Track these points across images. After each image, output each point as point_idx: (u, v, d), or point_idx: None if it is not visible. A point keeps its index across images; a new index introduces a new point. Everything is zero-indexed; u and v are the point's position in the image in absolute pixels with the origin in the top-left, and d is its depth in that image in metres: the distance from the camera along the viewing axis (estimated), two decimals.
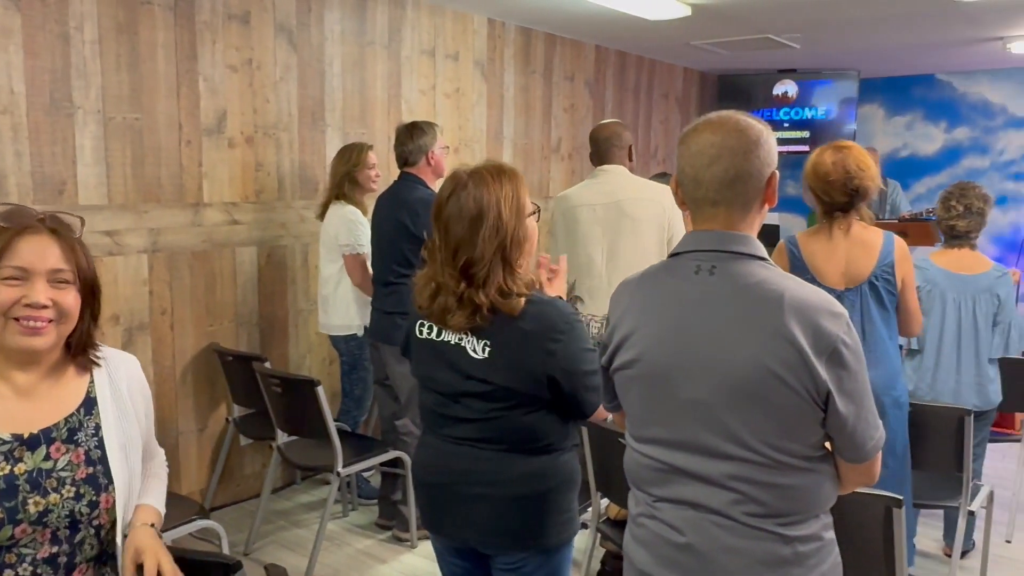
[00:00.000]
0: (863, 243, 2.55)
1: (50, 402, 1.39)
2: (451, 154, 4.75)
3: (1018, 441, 3.69)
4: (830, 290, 2.55)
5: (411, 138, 3.27)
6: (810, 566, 1.32)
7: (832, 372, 1.24)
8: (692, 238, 1.39)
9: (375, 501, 3.78)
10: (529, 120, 5.42)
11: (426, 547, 3.43)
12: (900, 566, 2.00)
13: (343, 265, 3.64)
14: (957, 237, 3.23)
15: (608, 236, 3.10)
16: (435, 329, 1.75)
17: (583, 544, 2.79)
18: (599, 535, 2.70)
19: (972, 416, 2.79)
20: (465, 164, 1.76)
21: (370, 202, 3.64)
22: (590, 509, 2.68)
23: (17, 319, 1.31)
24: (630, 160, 3.21)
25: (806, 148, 7.11)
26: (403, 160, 3.31)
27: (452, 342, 1.71)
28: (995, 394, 3.22)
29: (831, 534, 1.38)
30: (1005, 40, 5.52)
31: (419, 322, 1.80)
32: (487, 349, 1.66)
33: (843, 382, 1.25)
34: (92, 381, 1.45)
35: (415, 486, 1.90)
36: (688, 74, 7.15)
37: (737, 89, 7.23)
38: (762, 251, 1.35)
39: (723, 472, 1.30)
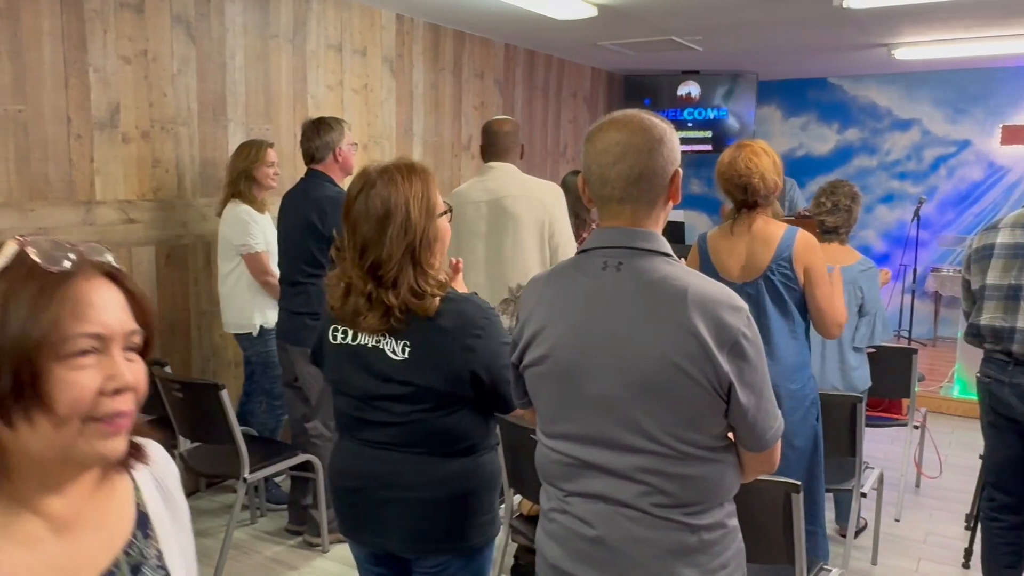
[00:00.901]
0: (763, 238, 2.59)
1: (98, 532, 0.90)
2: (360, 151, 4.68)
3: (905, 425, 3.91)
4: (730, 283, 2.63)
5: (318, 134, 3.20)
6: (715, 553, 1.36)
7: (733, 364, 1.28)
8: (600, 235, 1.41)
9: (285, 506, 3.69)
10: (439, 117, 5.39)
11: (338, 551, 3.37)
12: (799, 548, 2.09)
13: (238, 264, 3.54)
14: (828, 232, 3.39)
15: (490, 234, 3.09)
16: (350, 333, 1.72)
17: (497, 540, 2.80)
18: (512, 531, 2.72)
19: (863, 402, 2.95)
20: (376, 161, 1.73)
21: (272, 200, 3.55)
22: (503, 505, 2.69)
23: (100, 418, 0.83)
24: (520, 157, 3.21)
25: (709, 147, 7.35)
26: (310, 157, 3.24)
27: (369, 345, 1.68)
28: (860, 380, 3.38)
29: (735, 521, 1.43)
30: (890, 47, 5.84)
31: (333, 327, 1.75)
32: (407, 350, 1.64)
33: (744, 374, 1.30)
34: (136, 487, 0.96)
35: (332, 492, 1.86)
36: (596, 74, 7.27)
37: (643, 89, 7.40)
38: (667, 247, 1.38)
39: (631, 465, 1.33)
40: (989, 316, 2.58)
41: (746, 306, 1.32)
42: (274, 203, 3.55)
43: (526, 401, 1.52)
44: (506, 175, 3.13)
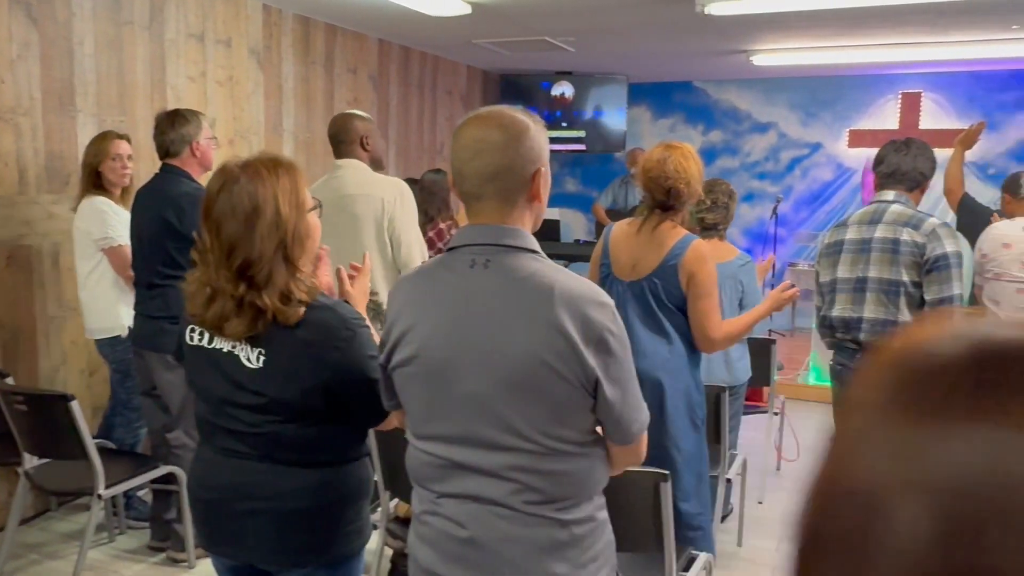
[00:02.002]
0: (659, 241, 2.57)
1: None
2: (226, 147, 4.48)
3: (766, 413, 4.13)
4: (617, 280, 2.66)
5: (172, 127, 3.01)
6: (585, 547, 1.38)
7: (600, 359, 1.30)
8: (467, 232, 1.39)
9: (147, 523, 3.47)
10: (311, 113, 5.24)
11: (205, 566, 3.20)
12: (667, 535, 2.15)
13: (100, 262, 3.31)
14: (707, 229, 3.53)
15: (332, 234, 3.01)
16: (206, 335, 1.62)
17: (373, 545, 2.74)
18: (390, 535, 2.67)
19: (727, 392, 3.08)
20: (237, 156, 1.64)
21: (130, 196, 3.33)
22: (379, 510, 2.63)
23: None
24: (365, 150, 3.08)
25: (582, 147, 7.51)
26: (164, 151, 3.04)
27: (224, 350, 1.59)
28: (743, 371, 3.56)
29: (604, 514, 1.45)
30: (749, 53, 6.15)
31: (190, 327, 1.66)
32: (261, 359, 1.56)
33: (609, 368, 1.32)
34: None
35: (191, 503, 1.76)
36: (472, 72, 7.28)
37: (518, 88, 7.47)
38: (534, 244, 1.38)
39: (502, 463, 1.32)
40: (840, 308, 2.72)
41: (611, 302, 1.34)
42: (126, 200, 3.34)
43: (395, 403, 1.49)
44: (350, 173, 3.04)
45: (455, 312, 1.35)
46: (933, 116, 7.07)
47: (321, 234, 2.99)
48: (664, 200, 2.56)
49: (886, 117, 7.23)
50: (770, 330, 7.05)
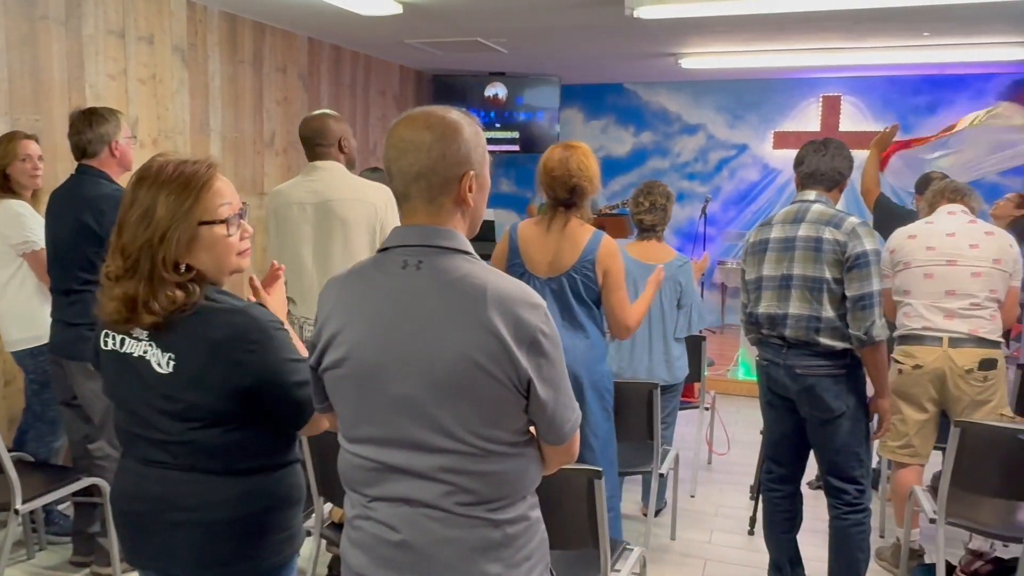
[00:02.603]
0: (573, 238, 2.70)
1: None
2: (149, 146, 4.35)
3: (697, 408, 4.23)
4: (534, 278, 2.72)
5: (90, 126, 2.90)
6: (519, 546, 1.38)
7: (532, 361, 1.30)
8: (399, 233, 1.39)
9: (69, 538, 3.34)
10: (239, 112, 5.13)
11: None
12: (603, 531, 2.19)
13: (19, 268, 3.17)
14: (645, 230, 3.61)
15: (318, 237, 2.96)
16: (118, 339, 1.58)
17: (308, 551, 2.70)
18: (327, 541, 2.64)
19: (659, 389, 3.14)
20: (163, 154, 1.60)
21: (41, 199, 3.20)
22: (313, 516, 2.60)
23: None
24: (343, 152, 3.05)
25: (516, 148, 7.55)
26: (81, 151, 2.93)
27: (136, 354, 1.55)
28: (681, 369, 3.65)
29: (537, 512, 1.46)
30: (677, 56, 6.28)
31: (104, 332, 1.61)
32: (171, 363, 1.52)
33: (542, 370, 1.32)
34: None
35: (114, 515, 1.70)
36: (405, 72, 7.23)
37: (452, 89, 7.45)
38: (467, 245, 1.38)
39: (434, 465, 1.32)
40: (766, 304, 2.78)
41: (544, 303, 1.35)
42: (41, 203, 3.20)
43: (326, 406, 1.47)
44: (334, 176, 2.98)
45: (386, 314, 1.34)
46: (852, 119, 7.34)
47: (307, 238, 2.96)
48: (568, 198, 2.70)
49: (808, 119, 7.48)
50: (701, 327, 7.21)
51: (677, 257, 3.61)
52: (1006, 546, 3.08)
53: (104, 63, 4.10)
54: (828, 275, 2.64)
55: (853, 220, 2.65)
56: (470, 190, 1.36)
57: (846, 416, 2.69)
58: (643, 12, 4.40)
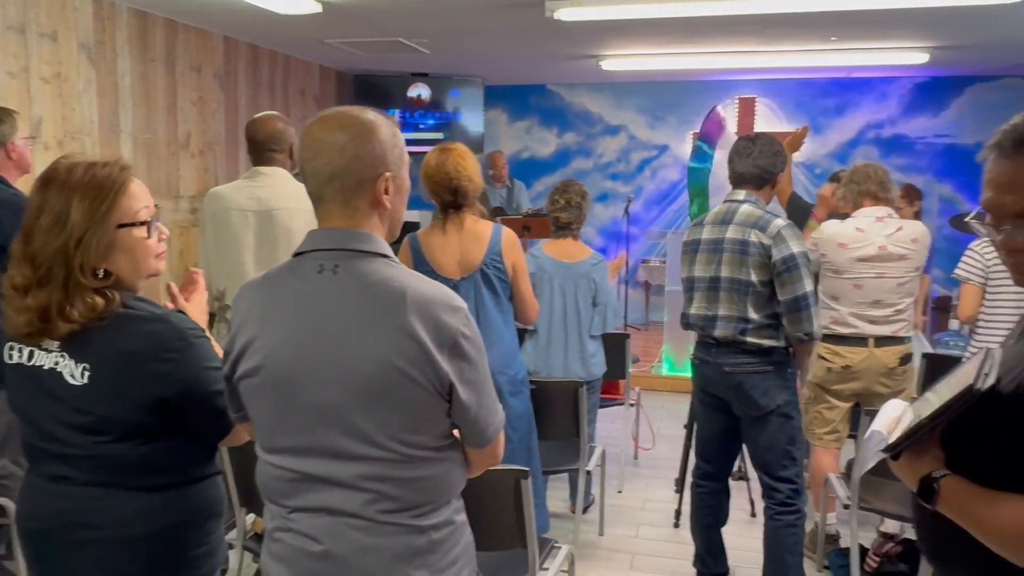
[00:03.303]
0: (475, 235, 2.75)
1: None
2: (54, 148, 4.16)
3: (622, 404, 4.30)
4: (447, 280, 2.71)
5: None
6: (445, 551, 1.37)
7: (454, 364, 1.30)
8: (314, 236, 1.36)
9: None
10: (151, 112, 4.95)
11: None
12: (530, 530, 2.20)
13: None
14: (562, 228, 3.64)
15: (261, 246, 2.88)
16: (26, 352, 1.50)
17: (233, 564, 2.63)
18: (248, 553, 2.57)
19: (585, 387, 3.18)
20: (69, 155, 1.53)
21: None
22: (235, 528, 2.53)
23: None
24: (291, 159, 2.97)
25: None
26: None
27: (46, 367, 1.48)
28: (598, 366, 3.69)
29: (463, 516, 1.46)
30: (598, 58, 6.37)
31: (8, 344, 1.53)
32: (86, 374, 1.46)
33: (464, 373, 1.32)
34: None
35: (19, 535, 1.62)
36: (325, 72, 7.12)
37: (374, 89, 7.37)
38: (386, 249, 1.36)
39: (355, 473, 1.30)
40: (697, 306, 2.82)
41: (464, 305, 1.34)
42: None
43: (242, 415, 1.43)
44: (279, 183, 2.90)
45: (302, 320, 1.31)
46: (766, 120, 7.58)
47: (249, 246, 2.85)
48: (453, 200, 2.74)
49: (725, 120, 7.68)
50: (626, 324, 7.33)
51: (591, 256, 3.66)
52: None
53: (3, 60, 3.90)
54: (754, 278, 2.66)
55: (778, 223, 2.67)
56: (386, 192, 1.34)
57: (775, 414, 2.73)
58: (562, 14, 4.45)
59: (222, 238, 2.93)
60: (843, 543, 3.30)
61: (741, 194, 2.79)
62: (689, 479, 3.15)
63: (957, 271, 3.14)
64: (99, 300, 1.45)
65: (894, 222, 3.20)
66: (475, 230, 2.76)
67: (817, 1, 4.29)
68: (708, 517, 3.03)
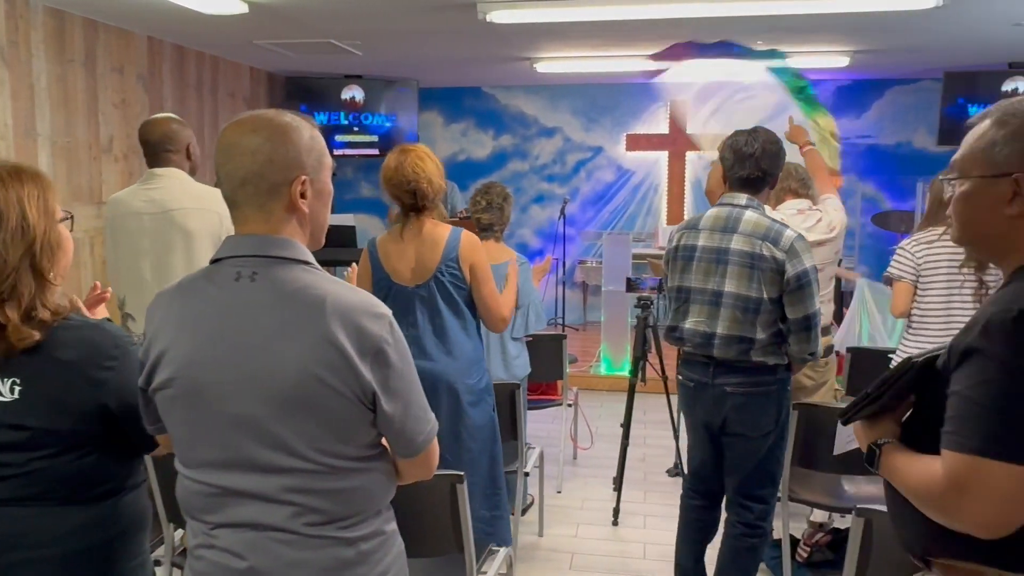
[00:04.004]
0: (431, 240, 2.64)
1: None
2: None
3: (560, 405, 4.32)
4: (402, 287, 2.66)
5: None
6: (374, 562, 1.35)
7: (377, 372, 1.27)
8: (231, 242, 1.32)
9: None
10: (70, 115, 4.76)
11: None
12: (467, 536, 2.18)
13: None
14: (484, 229, 3.64)
15: (157, 250, 2.80)
16: None
17: None
18: (177, 569, 2.49)
19: (521, 388, 3.18)
20: None
21: None
22: (163, 544, 2.45)
23: None
24: (189, 159, 2.92)
25: (375, 152, 7.45)
26: None
27: None
28: (521, 368, 3.67)
29: (392, 525, 1.43)
30: (532, 60, 6.40)
31: None
32: (16, 389, 1.40)
33: (388, 381, 1.29)
34: None
35: None
36: (255, 73, 6.97)
37: (307, 91, 7.26)
38: (306, 255, 1.33)
39: (279, 486, 1.26)
40: (694, 320, 2.62)
41: (388, 312, 1.31)
42: None
43: (159, 427, 1.38)
44: (175, 184, 2.82)
45: (218, 329, 1.27)
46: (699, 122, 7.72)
47: (145, 250, 2.75)
48: (413, 202, 2.64)
49: (658, 123, 7.81)
50: (563, 325, 7.38)
51: (515, 258, 3.66)
52: (843, 517, 3.32)
53: None
54: (765, 295, 2.49)
55: (790, 235, 2.51)
56: (303, 196, 1.31)
57: (772, 434, 2.64)
58: (495, 17, 4.45)
59: (120, 244, 2.87)
60: (775, 535, 3.37)
61: (742, 198, 2.58)
62: (667, 476, 3.16)
63: (890, 270, 3.24)
64: (64, 304, 1.44)
65: (814, 213, 3.31)
66: (432, 235, 2.64)
67: (744, 6, 4.40)
68: (699, 532, 2.89)
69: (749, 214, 2.56)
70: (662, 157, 7.87)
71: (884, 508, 1.99)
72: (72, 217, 1.58)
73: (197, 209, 2.79)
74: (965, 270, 3.04)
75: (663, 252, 8.22)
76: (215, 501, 1.29)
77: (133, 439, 1.52)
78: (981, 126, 1.27)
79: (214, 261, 1.33)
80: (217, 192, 2.94)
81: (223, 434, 1.26)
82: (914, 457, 1.27)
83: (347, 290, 1.30)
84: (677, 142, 7.77)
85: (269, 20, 4.85)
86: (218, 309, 1.28)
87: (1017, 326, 1.14)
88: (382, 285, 2.67)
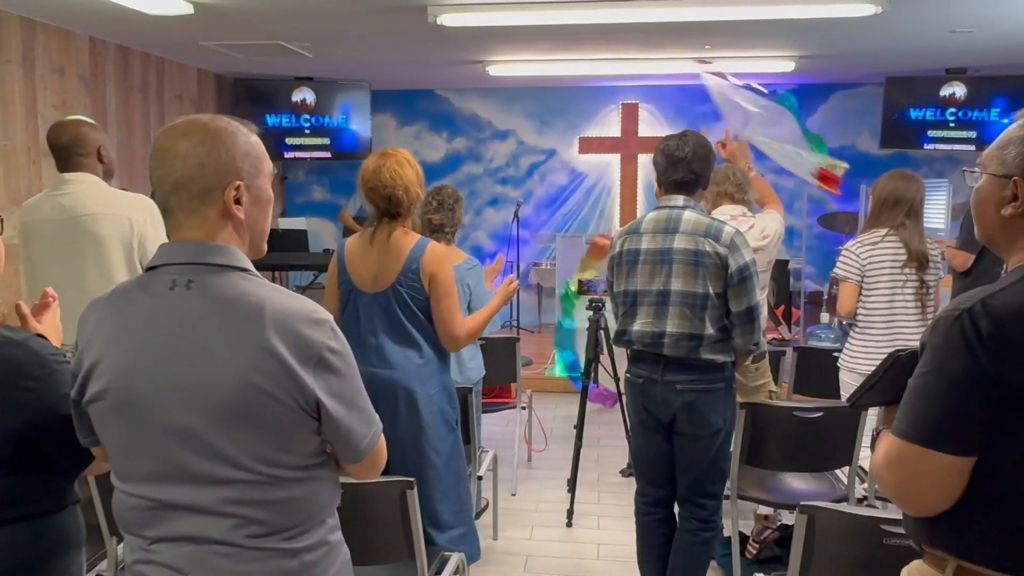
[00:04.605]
0: (396, 248, 2.58)
1: None
2: None
3: (515, 407, 4.33)
4: (362, 293, 2.62)
5: None
6: (319, 573, 1.33)
7: (320, 379, 1.26)
8: (166, 250, 1.29)
9: None
10: (8, 118, 4.62)
11: None
12: (418, 541, 2.17)
13: None
14: (435, 231, 3.61)
15: (69, 257, 2.73)
16: None
17: None
18: None
19: (473, 392, 3.17)
20: None
21: None
22: (105, 559, 2.39)
23: None
24: (101, 162, 2.83)
25: (327, 155, 7.38)
26: None
27: None
28: (475, 371, 3.66)
29: (337, 535, 1.41)
30: (484, 63, 6.40)
31: None
32: None
33: (332, 387, 1.28)
34: None
35: None
36: (203, 75, 6.85)
37: (257, 94, 7.16)
38: (243, 262, 1.30)
39: (219, 498, 1.24)
40: (642, 322, 2.62)
41: (330, 318, 1.30)
42: None
43: (92, 439, 1.35)
44: (86, 189, 2.75)
45: (153, 339, 1.24)
46: (649, 124, 7.82)
47: (57, 258, 2.67)
48: (387, 208, 2.59)
49: (610, 125, 7.88)
50: (518, 327, 7.40)
51: (466, 260, 3.64)
52: (791, 512, 3.39)
53: None
54: (711, 290, 2.54)
55: (729, 230, 2.57)
56: (238, 202, 1.28)
57: (722, 431, 2.66)
58: (446, 20, 4.45)
59: (33, 252, 2.81)
60: (725, 532, 3.43)
61: (679, 199, 2.63)
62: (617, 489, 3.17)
63: (836, 270, 3.31)
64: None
65: (748, 220, 3.35)
66: (398, 243, 2.57)
67: (691, 12, 4.46)
68: (661, 548, 2.83)
69: (688, 214, 2.61)
70: (614, 160, 7.94)
71: (827, 504, 2.06)
72: (2, 220, 1.53)
73: (108, 214, 2.73)
74: (907, 270, 3.14)
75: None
76: (152, 515, 1.26)
77: (60, 461, 1.47)
78: (1014, 124, 1.30)
79: (149, 268, 1.30)
80: (131, 196, 2.89)
81: (159, 446, 1.24)
82: (882, 441, 1.36)
83: (286, 297, 1.28)
84: (629, 145, 7.86)
85: (215, 21, 4.77)
86: (153, 318, 1.25)
87: (954, 325, 1.21)
88: (345, 289, 2.64)
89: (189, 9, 4.35)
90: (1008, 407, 1.18)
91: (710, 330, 2.56)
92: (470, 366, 3.62)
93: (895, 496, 1.31)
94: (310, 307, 1.29)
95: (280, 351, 1.21)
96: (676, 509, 2.85)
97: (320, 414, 1.28)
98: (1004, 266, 1.36)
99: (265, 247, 1.39)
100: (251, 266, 1.31)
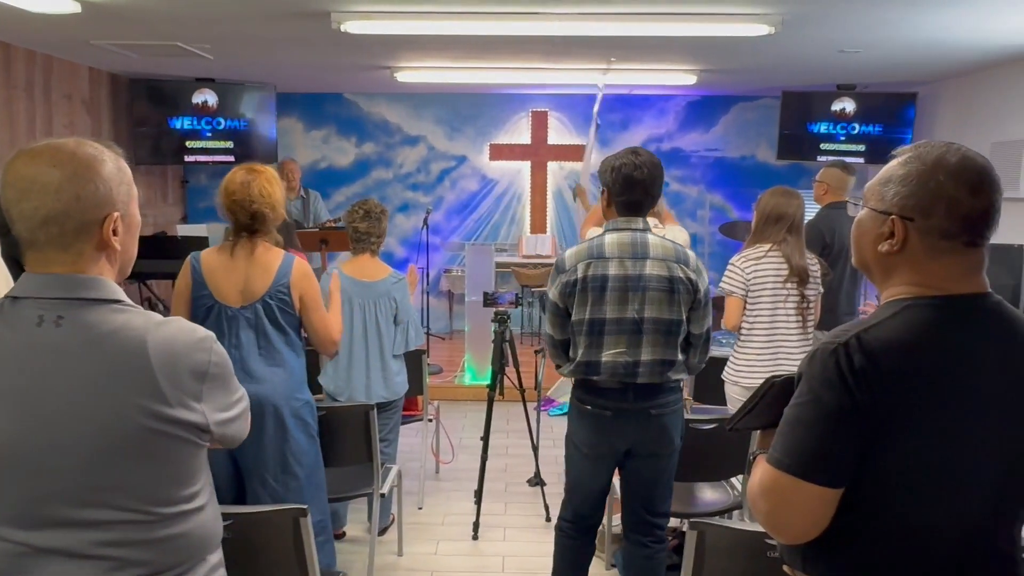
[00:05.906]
0: (263, 264, 2.60)
1: None
2: None
3: (421, 420, 4.30)
4: (225, 307, 2.58)
5: None
6: None
7: (209, 400, 1.26)
8: (31, 282, 1.22)
9: None
10: None
11: None
12: (312, 567, 2.13)
13: None
14: (360, 240, 3.58)
15: None
16: None
17: None
18: None
19: (375, 410, 3.14)
20: None
21: None
22: None
23: None
24: None
25: (231, 158, 7.15)
26: None
27: None
28: (401, 385, 3.67)
29: (222, 571, 1.39)
30: (392, 70, 6.34)
31: None
32: None
33: (219, 400, 1.29)
34: None
35: None
36: (95, 74, 6.53)
37: (155, 94, 6.88)
38: (117, 293, 1.25)
39: (93, 541, 1.19)
40: (613, 352, 2.51)
41: (209, 333, 1.29)
42: None
43: None
44: None
45: (21, 380, 1.17)
46: (558, 132, 7.91)
47: None
48: (249, 223, 2.60)
49: (520, 132, 7.93)
50: (428, 334, 7.36)
51: (392, 274, 3.63)
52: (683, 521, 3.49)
53: None
54: (683, 316, 2.52)
55: (692, 254, 2.60)
56: (115, 233, 1.24)
57: (678, 448, 2.66)
58: (349, 27, 4.38)
59: None
60: None
61: (639, 222, 2.55)
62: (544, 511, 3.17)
63: (722, 284, 3.41)
64: None
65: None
66: (265, 259, 2.61)
67: (595, 27, 4.53)
68: (583, 569, 2.81)
69: (652, 238, 2.55)
70: (525, 167, 8.00)
71: (714, 522, 2.13)
72: None
73: None
74: (789, 284, 3.27)
75: (527, 262, 8.31)
76: (21, 562, 1.19)
77: None
78: (894, 160, 1.32)
79: (11, 298, 1.22)
80: None
81: (26, 490, 1.18)
82: (758, 467, 1.37)
83: (164, 327, 1.24)
84: (539, 152, 7.93)
85: (107, 20, 4.56)
86: (19, 357, 1.18)
87: (830, 358, 1.24)
88: (203, 303, 2.60)
89: (77, 8, 4.14)
90: (874, 440, 1.21)
91: (678, 356, 2.55)
92: (397, 380, 3.63)
93: (766, 523, 1.33)
94: (189, 329, 1.26)
95: (167, 390, 1.19)
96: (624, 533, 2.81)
97: (211, 430, 1.28)
98: (861, 291, 1.42)
99: (130, 271, 1.36)
100: (123, 295, 1.27)
